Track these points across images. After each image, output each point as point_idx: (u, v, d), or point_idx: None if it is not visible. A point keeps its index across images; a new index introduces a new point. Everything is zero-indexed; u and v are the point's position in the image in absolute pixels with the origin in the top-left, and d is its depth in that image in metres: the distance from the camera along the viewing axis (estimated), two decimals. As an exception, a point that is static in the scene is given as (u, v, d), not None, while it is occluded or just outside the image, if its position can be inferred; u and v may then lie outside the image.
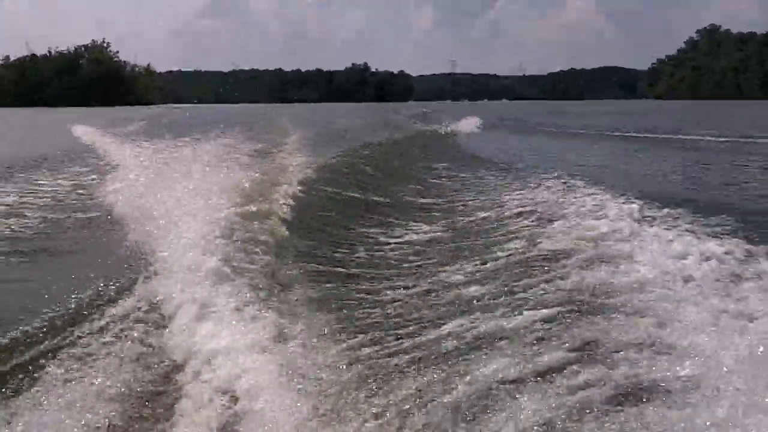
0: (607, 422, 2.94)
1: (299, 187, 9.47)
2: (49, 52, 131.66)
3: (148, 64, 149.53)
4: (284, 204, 8.18)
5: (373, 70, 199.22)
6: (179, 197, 7.14)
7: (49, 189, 11.82)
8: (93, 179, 12.97)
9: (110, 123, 31.78)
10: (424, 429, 3.10)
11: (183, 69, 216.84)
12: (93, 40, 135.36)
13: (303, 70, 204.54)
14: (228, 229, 6.28)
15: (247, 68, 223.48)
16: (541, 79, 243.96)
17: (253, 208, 7.42)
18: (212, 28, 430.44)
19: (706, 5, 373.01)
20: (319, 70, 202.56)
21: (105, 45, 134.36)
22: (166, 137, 17.88)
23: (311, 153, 14.46)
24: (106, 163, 15.18)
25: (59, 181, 12.80)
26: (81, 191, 11.62)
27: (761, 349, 3.40)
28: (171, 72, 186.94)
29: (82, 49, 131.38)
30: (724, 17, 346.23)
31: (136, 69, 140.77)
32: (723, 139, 22.63)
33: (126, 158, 14.41)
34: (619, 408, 3.05)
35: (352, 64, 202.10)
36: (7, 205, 9.99)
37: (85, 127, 27.24)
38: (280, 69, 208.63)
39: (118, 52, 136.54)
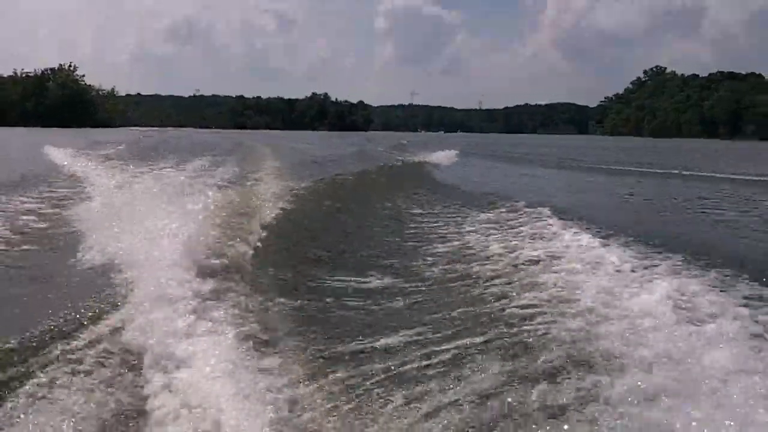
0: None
1: (275, 211, 9.45)
2: (15, 73, 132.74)
3: (113, 88, 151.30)
4: (259, 228, 8.20)
5: (333, 99, 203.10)
6: (150, 222, 7.08)
7: (20, 211, 11.18)
8: (65, 202, 12.44)
9: (85, 145, 31.05)
10: None
11: (142, 93, 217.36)
12: (60, 64, 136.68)
13: (264, 97, 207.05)
14: (200, 252, 6.27)
15: (207, 94, 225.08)
16: (497, 113, 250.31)
17: (226, 233, 7.44)
18: (174, 54, 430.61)
19: (661, 45, 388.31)
20: (280, 98, 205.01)
21: (72, 69, 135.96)
22: (138, 161, 17.91)
23: (286, 180, 14.05)
24: (79, 186, 14.77)
25: (28, 204, 12.15)
26: (51, 214, 11.09)
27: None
28: (130, 95, 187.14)
29: (49, 72, 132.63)
30: (683, 56, 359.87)
31: (101, 92, 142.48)
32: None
33: (98, 181, 14.21)
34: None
35: (313, 93, 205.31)
36: None
37: (58, 150, 26.86)
38: (241, 96, 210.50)
39: (84, 75, 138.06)
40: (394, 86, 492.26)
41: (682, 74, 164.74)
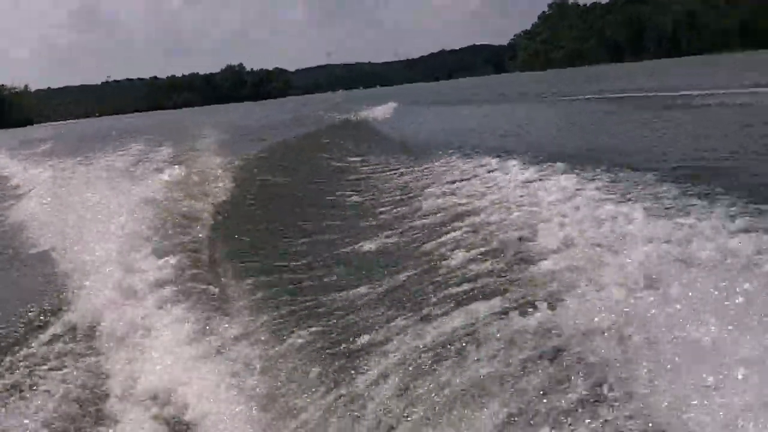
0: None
1: (223, 188, 9.25)
2: None
3: (26, 86, 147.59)
4: (210, 207, 8.02)
5: (249, 69, 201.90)
6: (95, 211, 6.88)
7: None
8: (6, 202, 12.12)
9: (16, 145, 29.66)
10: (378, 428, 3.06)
11: (52, 87, 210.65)
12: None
13: (178, 75, 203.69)
14: (153, 238, 6.16)
15: (120, 78, 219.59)
16: (414, 63, 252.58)
17: (180, 213, 7.29)
18: (77, 42, 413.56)
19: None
20: (194, 74, 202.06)
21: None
22: (71, 155, 17.11)
23: (230, 153, 13.44)
24: (13, 186, 14.41)
25: None
26: None
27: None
28: (40, 90, 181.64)
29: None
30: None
31: (13, 90, 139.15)
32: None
33: (34, 179, 13.73)
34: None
35: (227, 65, 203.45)
36: None
37: None
38: (155, 77, 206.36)
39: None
40: (311, 50, 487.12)
41: (585, 4, 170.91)
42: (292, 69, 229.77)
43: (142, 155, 14.85)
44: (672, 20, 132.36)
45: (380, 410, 3.16)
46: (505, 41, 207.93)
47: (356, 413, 3.19)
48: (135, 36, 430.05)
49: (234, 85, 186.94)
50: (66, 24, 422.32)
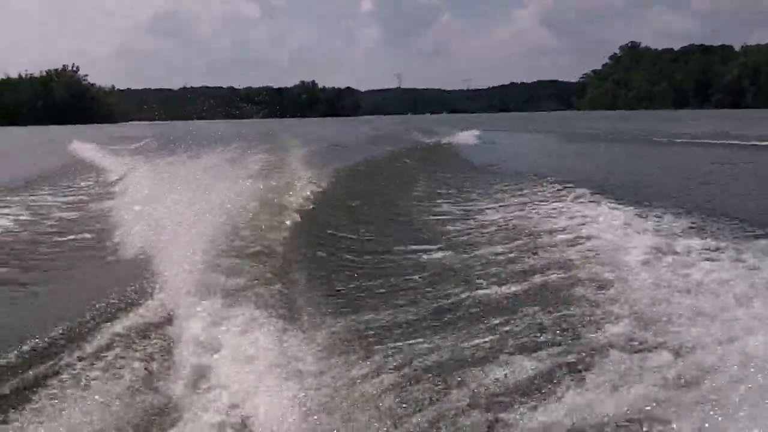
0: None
1: (305, 200, 9.34)
2: (20, 75, 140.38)
3: (112, 86, 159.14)
4: (290, 218, 8.13)
5: (321, 86, 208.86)
6: (182, 212, 6.92)
7: (50, 207, 11.51)
8: (95, 196, 12.64)
9: (108, 140, 30.85)
10: None
11: (132, 87, 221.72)
12: (64, 65, 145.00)
13: (254, 87, 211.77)
14: (233, 242, 6.34)
15: (197, 86, 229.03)
16: (484, 92, 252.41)
17: (259, 222, 7.38)
18: (157, 47, 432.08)
19: (640, 18, 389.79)
20: (269, 87, 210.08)
21: (74, 69, 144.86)
22: (165, 153, 16.59)
23: (317, 167, 13.81)
24: (108, 180, 14.90)
25: (59, 199, 12.53)
26: (83, 208, 11.27)
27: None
28: (122, 90, 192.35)
29: (53, 72, 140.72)
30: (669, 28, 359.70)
31: (101, 90, 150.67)
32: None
33: (127, 175, 14.20)
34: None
35: (302, 81, 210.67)
36: (10, 221, 9.81)
37: (84, 145, 26.91)
38: (232, 87, 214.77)
39: (87, 75, 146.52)
40: (381, 71, 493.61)
41: (656, 48, 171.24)
42: (361, 89, 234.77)
43: (233, 160, 14.35)
44: (738, 73, 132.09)
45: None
46: (570, 78, 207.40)
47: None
48: (211, 44, 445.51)
49: (307, 102, 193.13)
50: (146, 29, 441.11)
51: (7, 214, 10.47)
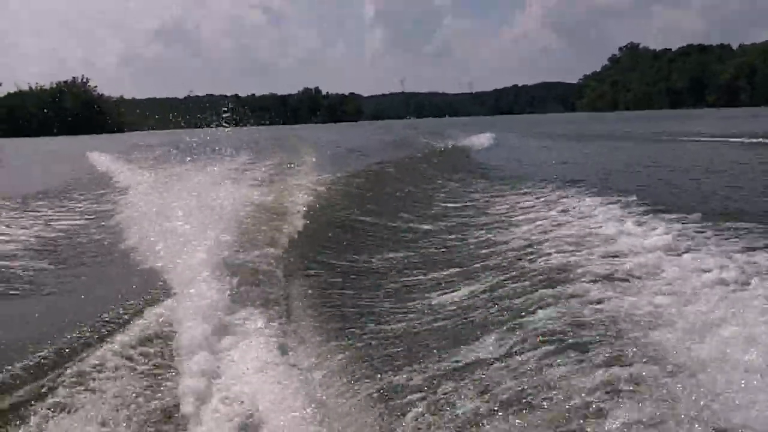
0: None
1: (311, 206, 9.47)
2: (31, 88, 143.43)
3: (121, 96, 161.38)
4: (297, 224, 8.19)
5: (325, 92, 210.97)
6: (189, 220, 6.93)
7: (64, 216, 11.70)
8: (105, 206, 12.74)
9: (124, 150, 30.94)
10: None
11: (137, 97, 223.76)
12: (74, 77, 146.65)
13: (257, 94, 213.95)
14: (238, 250, 6.38)
15: (201, 94, 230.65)
16: (487, 95, 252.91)
17: (266, 229, 7.43)
18: (162, 56, 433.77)
19: (648, 16, 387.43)
20: (273, 95, 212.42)
21: (84, 80, 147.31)
22: (174, 162, 16.42)
23: (324, 172, 13.98)
24: (118, 189, 14.98)
25: (71, 206, 12.86)
26: (93, 217, 11.48)
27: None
28: (125, 99, 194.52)
29: (63, 83, 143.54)
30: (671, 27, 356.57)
31: (110, 100, 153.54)
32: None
33: (136, 183, 14.29)
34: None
35: (305, 88, 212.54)
36: (25, 230, 9.96)
37: (101, 155, 27.34)
38: (236, 94, 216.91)
39: (96, 86, 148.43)
40: (383, 75, 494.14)
41: (654, 49, 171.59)
42: (364, 94, 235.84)
43: (243, 166, 15.36)
44: (735, 72, 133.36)
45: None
46: (574, 80, 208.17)
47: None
48: (216, 52, 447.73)
49: (310, 108, 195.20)
50: (151, 37, 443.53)
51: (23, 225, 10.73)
